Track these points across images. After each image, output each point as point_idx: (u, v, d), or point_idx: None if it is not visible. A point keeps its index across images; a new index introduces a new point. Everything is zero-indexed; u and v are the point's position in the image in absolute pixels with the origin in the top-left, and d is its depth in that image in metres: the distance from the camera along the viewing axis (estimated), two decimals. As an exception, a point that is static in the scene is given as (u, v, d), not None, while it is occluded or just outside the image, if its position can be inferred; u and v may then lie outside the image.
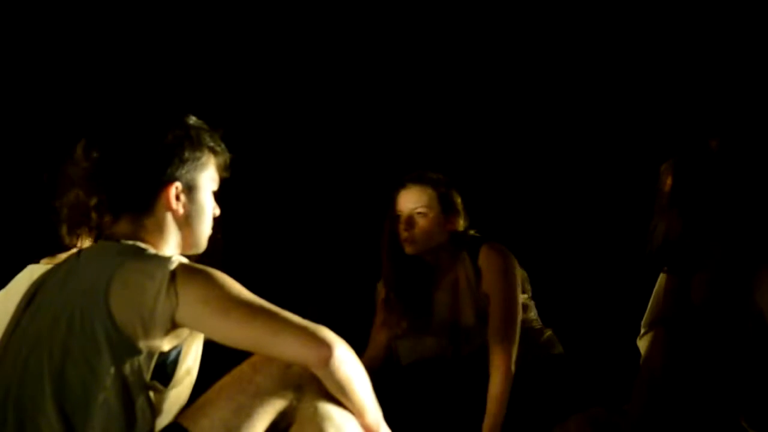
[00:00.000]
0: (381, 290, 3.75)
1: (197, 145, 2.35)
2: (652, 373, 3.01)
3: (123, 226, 2.30)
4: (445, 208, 3.59)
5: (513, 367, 3.42)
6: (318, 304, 4.59)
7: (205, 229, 2.39)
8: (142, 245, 2.24)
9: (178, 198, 2.32)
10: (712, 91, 4.36)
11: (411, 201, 3.57)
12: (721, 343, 2.91)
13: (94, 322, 2.13)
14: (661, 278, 3.12)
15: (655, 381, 3.00)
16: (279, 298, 2.36)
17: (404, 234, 3.56)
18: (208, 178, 2.38)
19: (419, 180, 3.60)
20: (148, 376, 2.15)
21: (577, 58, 4.51)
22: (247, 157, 2.50)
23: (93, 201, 2.31)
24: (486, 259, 3.57)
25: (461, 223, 3.63)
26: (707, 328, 2.95)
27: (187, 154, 2.33)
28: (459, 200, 3.63)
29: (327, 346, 2.12)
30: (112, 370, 2.12)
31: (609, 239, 3.72)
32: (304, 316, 2.16)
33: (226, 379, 2.23)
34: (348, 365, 2.17)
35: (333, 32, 4.68)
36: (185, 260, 2.21)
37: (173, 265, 2.14)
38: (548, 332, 3.68)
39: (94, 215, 2.30)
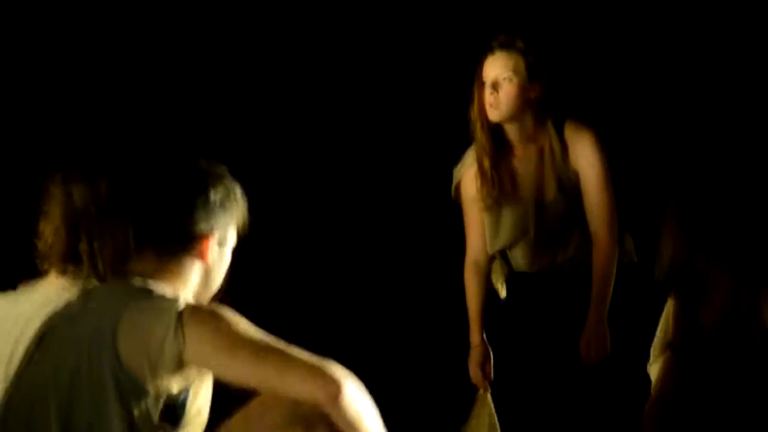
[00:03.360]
0: (463, 175, 3.75)
1: (236, 202, 2.38)
2: (663, 400, 3.00)
3: (144, 265, 2.29)
4: (531, 75, 3.58)
5: (617, 247, 3.54)
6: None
7: (218, 284, 2.40)
8: (151, 285, 2.24)
9: (211, 250, 2.34)
10: (718, 111, 4.36)
11: (497, 66, 3.57)
12: (732, 366, 2.90)
13: (101, 364, 2.12)
14: (670, 303, 3.11)
15: (667, 407, 2.99)
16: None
17: (489, 98, 3.56)
18: (233, 234, 2.40)
19: (507, 45, 3.59)
20: (156, 418, 2.14)
21: (580, 78, 4.50)
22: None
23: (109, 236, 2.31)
24: (577, 133, 3.61)
25: (546, 94, 3.62)
26: (717, 352, 2.94)
27: (227, 208, 2.36)
28: (546, 73, 3.62)
29: (336, 383, 2.11)
30: (120, 412, 2.11)
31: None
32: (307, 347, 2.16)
33: (235, 417, 2.22)
34: (357, 401, 2.16)
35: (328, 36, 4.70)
36: (192, 300, 2.21)
37: (180, 306, 2.14)
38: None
39: (87, 249, 2.30)
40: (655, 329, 3.19)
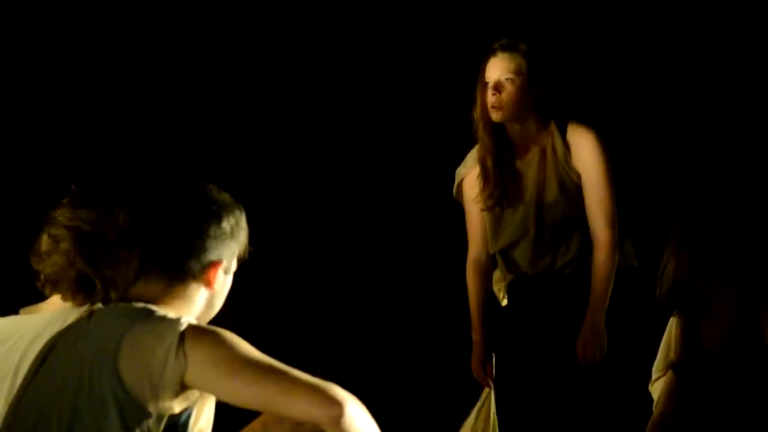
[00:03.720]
0: (465, 175, 3.80)
1: (242, 230, 2.40)
2: (664, 420, 2.99)
3: (149, 289, 2.30)
4: (534, 77, 3.63)
5: (617, 249, 3.58)
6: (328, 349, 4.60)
7: (217, 310, 2.42)
8: (153, 307, 2.24)
9: (218, 277, 2.36)
10: (722, 124, 4.36)
11: (500, 67, 3.63)
12: (734, 387, 2.90)
13: (103, 385, 2.12)
14: (672, 322, 3.11)
15: (668, 427, 2.98)
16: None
17: (492, 99, 3.60)
18: (236, 262, 2.42)
19: (510, 47, 3.64)
20: None
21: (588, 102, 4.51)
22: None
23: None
24: (580, 134, 3.67)
25: (549, 95, 3.66)
26: (719, 373, 2.93)
27: (235, 236, 2.37)
28: (549, 75, 3.67)
29: (338, 405, 2.11)
30: None
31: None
32: (315, 371, 2.17)
33: (237, 438, 2.24)
34: (359, 422, 2.16)
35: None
36: (194, 321, 2.21)
37: (182, 327, 2.15)
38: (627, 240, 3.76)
39: (101, 277, 2.30)
40: (655, 341, 3.19)
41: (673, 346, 3.07)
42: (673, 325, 3.10)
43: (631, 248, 3.72)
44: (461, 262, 3.85)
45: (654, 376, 3.11)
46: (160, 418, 2.14)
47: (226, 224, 2.35)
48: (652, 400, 3.10)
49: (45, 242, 2.38)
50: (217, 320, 2.37)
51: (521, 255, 3.70)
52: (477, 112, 3.67)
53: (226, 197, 2.39)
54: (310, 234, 4.72)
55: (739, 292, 2.93)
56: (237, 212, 2.39)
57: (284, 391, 2.11)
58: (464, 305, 3.84)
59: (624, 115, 4.50)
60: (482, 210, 3.72)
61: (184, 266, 2.31)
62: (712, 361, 2.96)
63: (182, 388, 2.14)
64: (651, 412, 3.06)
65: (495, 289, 3.82)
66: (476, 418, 3.74)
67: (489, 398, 3.73)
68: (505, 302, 3.82)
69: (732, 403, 2.89)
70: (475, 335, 3.76)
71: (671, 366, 3.04)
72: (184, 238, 2.31)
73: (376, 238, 4.74)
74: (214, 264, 2.33)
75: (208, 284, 2.34)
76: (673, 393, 3.00)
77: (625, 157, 3.95)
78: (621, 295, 3.59)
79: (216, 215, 2.34)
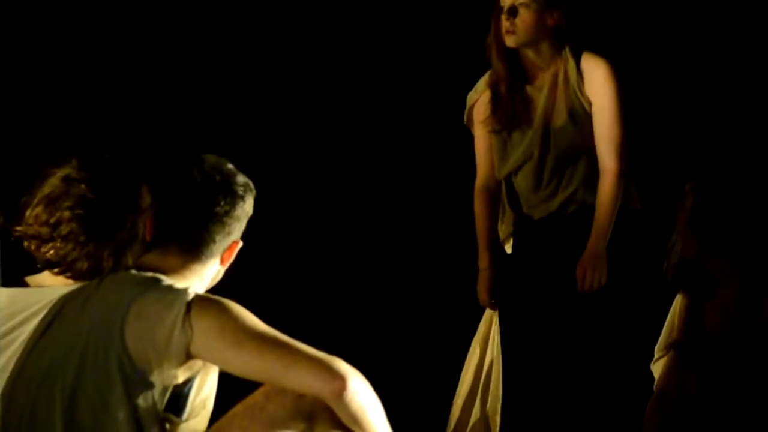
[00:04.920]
0: (476, 100, 3.79)
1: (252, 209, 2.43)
2: (664, 397, 3.00)
3: (167, 261, 2.31)
4: (549, 2, 3.62)
5: (623, 180, 3.54)
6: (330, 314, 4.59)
7: (218, 280, 2.45)
8: (161, 276, 2.23)
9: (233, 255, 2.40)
10: (740, 114, 4.33)
11: None
12: (734, 367, 2.90)
13: (108, 353, 2.12)
14: (677, 301, 3.11)
15: (668, 405, 2.99)
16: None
17: (506, 24, 3.60)
18: None
19: None
20: (161, 408, 2.15)
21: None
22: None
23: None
24: (594, 63, 3.64)
25: (564, 22, 3.65)
26: (720, 353, 2.94)
27: (249, 214, 2.41)
28: (565, 1, 3.65)
29: (341, 379, 2.11)
30: (125, 402, 2.11)
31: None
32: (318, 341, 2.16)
33: (238, 408, 2.23)
34: (362, 396, 2.16)
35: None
36: (201, 292, 2.21)
37: (189, 297, 2.14)
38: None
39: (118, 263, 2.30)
40: (658, 319, 3.19)
41: (675, 324, 3.08)
42: (676, 305, 3.10)
43: (635, 192, 3.70)
44: (462, 240, 3.85)
45: (656, 356, 3.11)
46: (164, 387, 2.14)
47: (248, 207, 2.39)
48: (653, 378, 3.11)
49: (46, 222, 2.31)
50: (219, 290, 2.37)
51: (524, 181, 3.69)
52: (491, 37, 3.67)
53: (244, 178, 2.41)
54: (312, 188, 4.70)
55: (744, 275, 2.93)
56: (252, 193, 2.42)
57: (288, 364, 2.11)
58: (466, 285, 3.82)
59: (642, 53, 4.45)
60: (490, 132, 3.72)
61: (210, 248, 2.34)
62: (714, 341, 2.96)
63: (187, 357, 2.14)
64: (652, 391, 3.07)
65: (500, 233, 3.81)
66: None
67: (490, 319, 3.71)
68: (510, 250, 3.80)
69: (731, 383, 2.90)
70: (482, 262, 3.76)
71: (673, 344, 3.05)
72: (214, 223, 2.34)
73: (377, 195, 4.73)
74: (234, 244, 2.38)
75: (223, 262, 2.39)
76: (673, 371, 3.01)
77: (638, 100, 3.90)
78: (623, 236, 3.58)
79: (242, 199, 2.38)
